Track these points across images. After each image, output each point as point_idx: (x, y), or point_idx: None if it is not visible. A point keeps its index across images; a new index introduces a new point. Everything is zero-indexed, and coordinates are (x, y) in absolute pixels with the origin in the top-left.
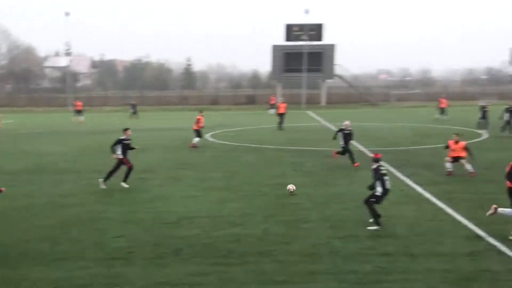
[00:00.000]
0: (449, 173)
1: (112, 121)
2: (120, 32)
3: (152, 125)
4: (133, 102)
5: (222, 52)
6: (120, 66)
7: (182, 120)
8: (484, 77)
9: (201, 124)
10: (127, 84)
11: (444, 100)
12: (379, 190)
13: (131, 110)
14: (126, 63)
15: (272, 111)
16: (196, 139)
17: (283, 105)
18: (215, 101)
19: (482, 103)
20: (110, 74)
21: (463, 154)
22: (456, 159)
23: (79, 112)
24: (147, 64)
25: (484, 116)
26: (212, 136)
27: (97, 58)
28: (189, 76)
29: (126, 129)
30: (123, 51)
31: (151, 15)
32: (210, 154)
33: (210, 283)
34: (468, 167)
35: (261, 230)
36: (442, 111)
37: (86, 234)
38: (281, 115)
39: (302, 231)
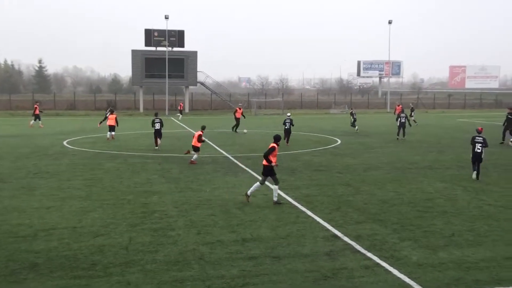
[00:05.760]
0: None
1: None
2: None
3: (1, 131)
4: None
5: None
6: None
7: (36, 126)
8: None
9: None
10: None
11: (399, 107)
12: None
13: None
14: None
15: (179, 116)
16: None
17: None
18: (72, 106)
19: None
20: None
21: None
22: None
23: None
24: None
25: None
26: (69, 143)
27: None
28: (42, 79)
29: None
30: None
31: None
32: (68, 161)
33: None
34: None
35: (126, 240)
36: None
37: None
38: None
39: (168, 238)
